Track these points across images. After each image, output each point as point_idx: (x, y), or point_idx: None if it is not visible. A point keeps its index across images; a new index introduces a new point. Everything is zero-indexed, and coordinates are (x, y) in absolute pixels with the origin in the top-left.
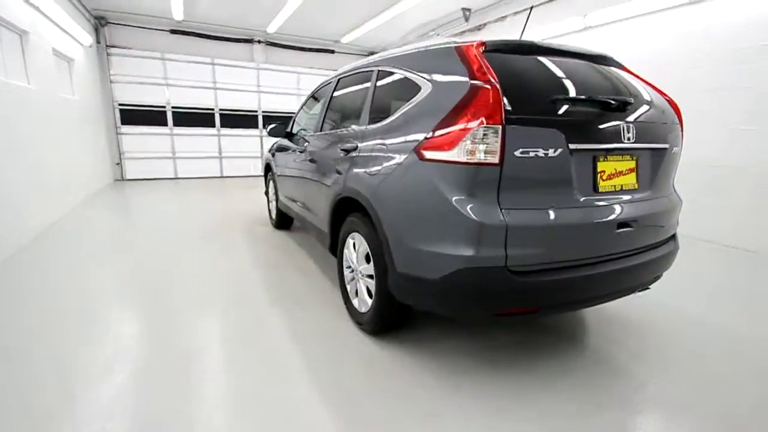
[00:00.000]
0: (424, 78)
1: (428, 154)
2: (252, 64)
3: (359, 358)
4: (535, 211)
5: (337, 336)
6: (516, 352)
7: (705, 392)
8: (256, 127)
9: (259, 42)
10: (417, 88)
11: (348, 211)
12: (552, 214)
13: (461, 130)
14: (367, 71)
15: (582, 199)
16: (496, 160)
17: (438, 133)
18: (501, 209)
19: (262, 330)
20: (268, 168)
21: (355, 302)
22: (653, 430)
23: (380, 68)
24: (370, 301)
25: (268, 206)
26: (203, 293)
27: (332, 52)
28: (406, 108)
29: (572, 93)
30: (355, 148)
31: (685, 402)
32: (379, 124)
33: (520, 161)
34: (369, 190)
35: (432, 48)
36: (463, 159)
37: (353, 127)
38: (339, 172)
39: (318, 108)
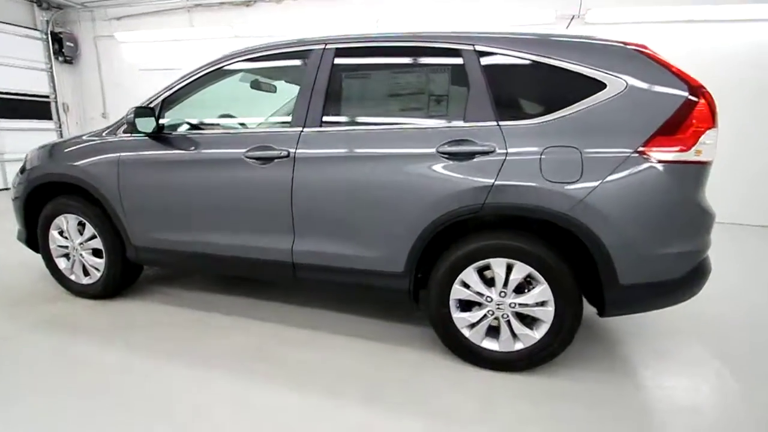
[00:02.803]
0: (611, 75)
1: (659, 156)
2: None
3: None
4: None
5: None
6: None
7: None
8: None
9: None
10: (597, 85)
11: (453, 235)
12: None
13: (694, 132)
14: (441, 48)
15: None
16: (712, 157)
17: (667, 134)
18: None
19: None
20: (39, 194)
21: (491, 344)
22: None
23: (479, 48)
24: (534, 333)
25: (50, 266)
26: None
27: None
28: (589, 105)
29: None
30: (492, 151)
31: None
32: (537, 121)
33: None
34: (567, 202)
35: (602, 43)
36: (696, 158)
37: (469, 123)
38: (447, 184)
39: (268, 92)
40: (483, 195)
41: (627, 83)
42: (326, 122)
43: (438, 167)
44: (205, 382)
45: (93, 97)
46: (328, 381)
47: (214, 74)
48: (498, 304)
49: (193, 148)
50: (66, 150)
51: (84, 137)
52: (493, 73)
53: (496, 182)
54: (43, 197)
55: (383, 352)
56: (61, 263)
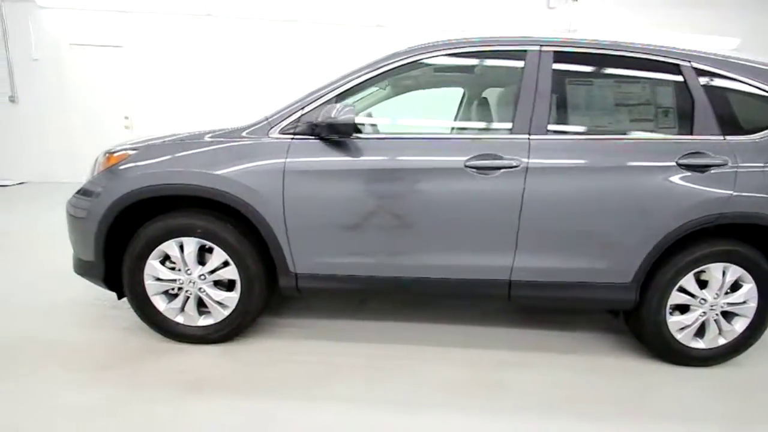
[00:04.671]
0: None
1: None
2: None
3: None
4: None
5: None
6: None
7: None
8: None
9: None
10: None
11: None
12: None
13: None
14: (661, 61)
15: None
16: None
17: None
18: None
19: None
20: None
21: (697, 344)
22: None
23: (696, 65)
24: (736, 328)
25: (143, 308)
26: None
27: None
28: None
29: None
30: (725, 164)
31: None
32: (754, 137)
33: None
34: None
35: None
36: None
37: (698, 136)
38: (689, 195)
39: (495, 95)
40: (721, 205)
41: None
42: (552, 130)
43: (677, 179)
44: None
45: None
46: (585, 404)
47: (405, 68)
48: (711, 306)
49: (390, 154)
50: (187, 154)
51: (207, 138)
52: (711, 89)
53: (734, 193)
54: (134, 216)
55: (593, 364)
56: (160, 303)
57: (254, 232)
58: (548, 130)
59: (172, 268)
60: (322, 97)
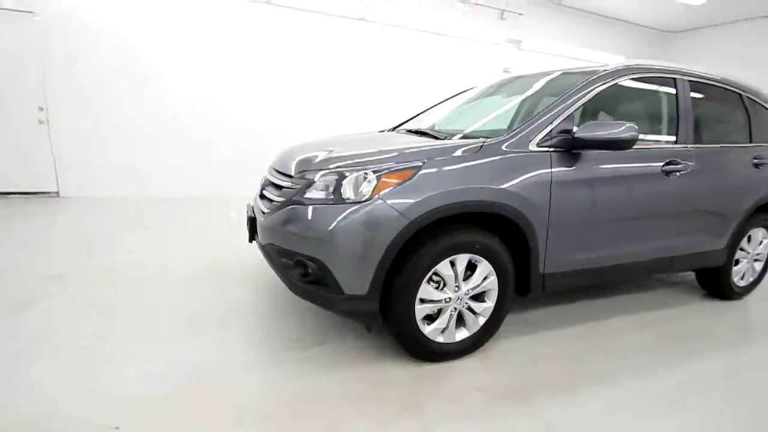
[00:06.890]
0: None
1: None
2: None
3: None
4: None
5: None
6: None
7: None
8: None
9: None
10: None
11: None
12: None
13: None
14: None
15: None
16: None
17: None
18: None
19: None
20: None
21: None
22: None
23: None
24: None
25: (407, 334)
26: None
27: None
28: None
29: None
30: None
31: None
32: None
33: None
34: None
35: None
36: None
37: None
38: None
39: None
40: None
41: None
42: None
43: None
44: None
45: None
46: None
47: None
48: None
49: (623, 162)
50: (468, 167)
51: (460, 153)
52: None
53: None
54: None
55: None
56: (424, 326)
57: (511, 242)
58: (694, 141)
59: (436, 288)
60: (563, 113)
